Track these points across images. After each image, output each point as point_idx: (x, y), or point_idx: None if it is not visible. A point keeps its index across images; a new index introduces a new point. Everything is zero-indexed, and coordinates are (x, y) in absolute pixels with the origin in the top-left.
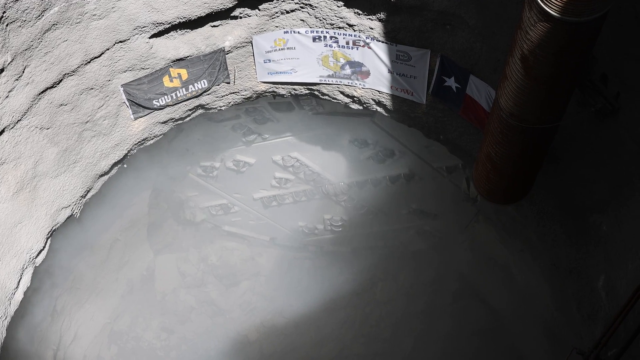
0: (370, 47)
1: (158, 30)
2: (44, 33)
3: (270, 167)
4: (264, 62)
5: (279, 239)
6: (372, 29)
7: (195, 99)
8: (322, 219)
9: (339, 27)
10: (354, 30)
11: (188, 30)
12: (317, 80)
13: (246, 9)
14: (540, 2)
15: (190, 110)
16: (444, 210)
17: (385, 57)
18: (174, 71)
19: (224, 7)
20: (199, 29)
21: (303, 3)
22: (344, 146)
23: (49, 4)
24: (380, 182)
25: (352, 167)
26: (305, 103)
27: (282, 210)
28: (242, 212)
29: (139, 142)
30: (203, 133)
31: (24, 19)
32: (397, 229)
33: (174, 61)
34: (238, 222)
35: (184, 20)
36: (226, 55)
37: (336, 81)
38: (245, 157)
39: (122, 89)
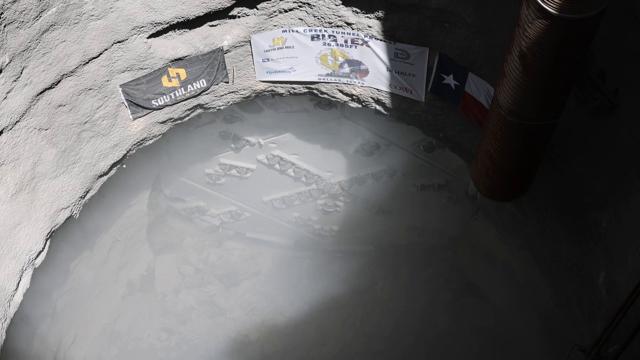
0: (368, 46)
1: (156, 30)
2: (42, 34)
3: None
4: (263, 61)
5: (303, 242)
6: (370, 27)
7: (194, 98)
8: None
9: (338, 26)
10: (353, 29)
11: (186, 30)
12: (316, 79)
13: (244, 8)
14: None
15: (189, 110)
16: (444, 206)
17: (383, 56)
18: (172, 71)
19: (222, 6)
20: (197, 28)
21: (301, 2)
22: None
23: (47, 4)
24: (379, 176)
25: (341, 163)
26: (270, 103)
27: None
28: (253, 217)
29: (138, 142)
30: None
31: (22, 20)
32: (396, 226)
33: (173, 61)
34: (261, 229)
35: (182, 20)
36: (225, 55)
37: (335, 80)
38: (240, 162)
39: (120, 89)
